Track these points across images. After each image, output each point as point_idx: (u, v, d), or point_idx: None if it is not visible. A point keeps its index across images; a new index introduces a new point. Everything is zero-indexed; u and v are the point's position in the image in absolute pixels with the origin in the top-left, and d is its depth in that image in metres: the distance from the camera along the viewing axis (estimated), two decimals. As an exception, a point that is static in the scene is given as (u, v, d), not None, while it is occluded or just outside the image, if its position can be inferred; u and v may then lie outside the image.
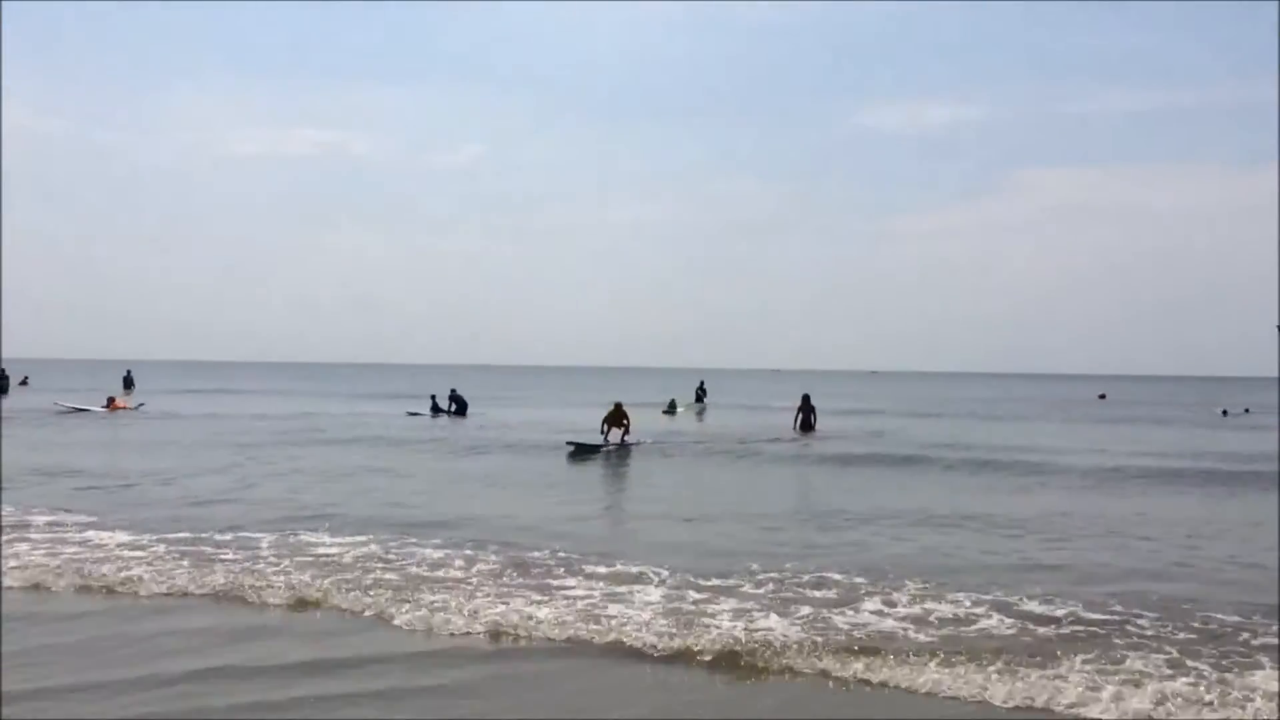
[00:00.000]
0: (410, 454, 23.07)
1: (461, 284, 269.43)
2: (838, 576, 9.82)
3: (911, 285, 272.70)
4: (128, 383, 54.54)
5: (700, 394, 50.05)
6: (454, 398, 37.81)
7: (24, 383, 56.40)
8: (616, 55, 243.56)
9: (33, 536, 11.73)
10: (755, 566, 10.25)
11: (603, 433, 24.05)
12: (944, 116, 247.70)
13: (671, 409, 42.28)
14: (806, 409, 30.62)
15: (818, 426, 30.20)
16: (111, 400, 38.70)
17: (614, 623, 8.14)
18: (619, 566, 10.22)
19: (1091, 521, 13.88)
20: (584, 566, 10.24)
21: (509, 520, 13.43)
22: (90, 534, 11.91)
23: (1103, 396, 67.05)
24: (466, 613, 8.42)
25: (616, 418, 24.19)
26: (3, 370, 52.68)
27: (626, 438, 24.03)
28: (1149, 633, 7.95)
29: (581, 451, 22.90)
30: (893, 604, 8.80)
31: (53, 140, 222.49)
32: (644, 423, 32.82)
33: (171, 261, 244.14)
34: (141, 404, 39.43)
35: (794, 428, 30.11)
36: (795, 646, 7.48)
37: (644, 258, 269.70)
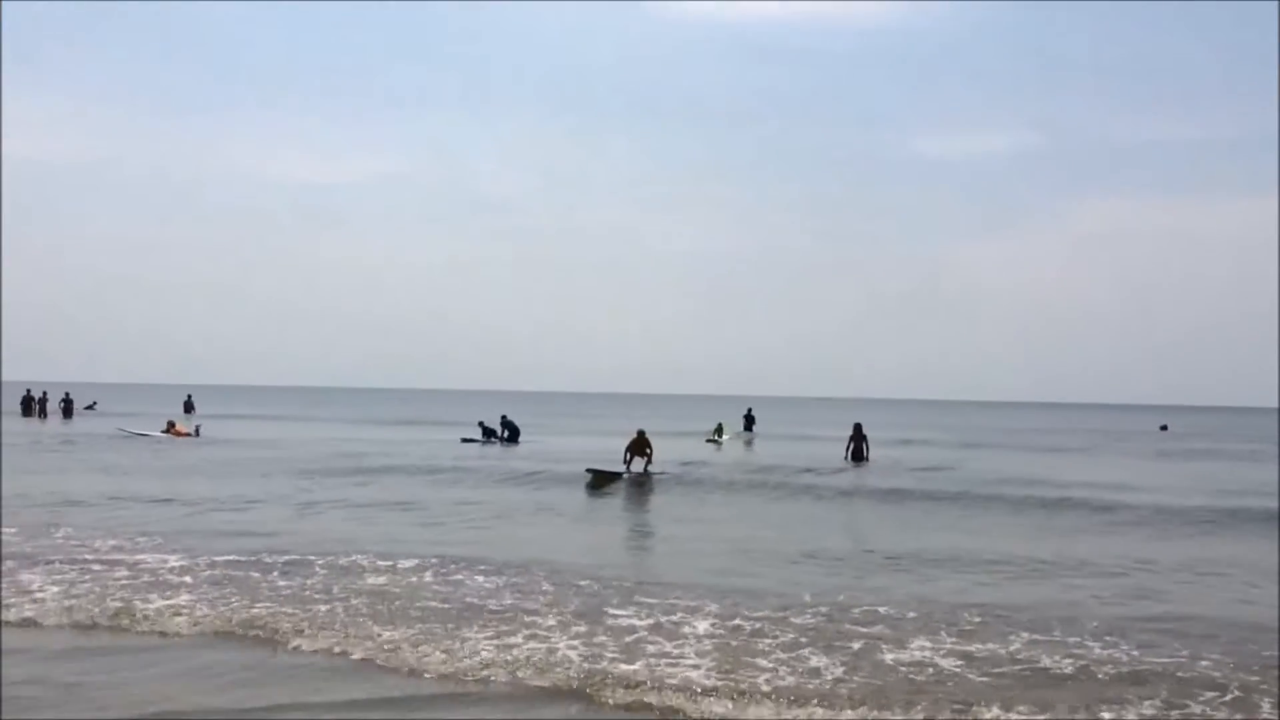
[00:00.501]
0: (474, 483, 22.82)
1: (498, 309, 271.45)
2: (890, 614, 9.66)
3: (961, 313, 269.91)
4: (188, 407, 55.26)
5: (749, 422, 48.49)
6: (506, 424, 37.90)
7: (91, 407, 57.42)
8: (663, 82, 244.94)
9: (93, 567, 11.99)
10: (805, 601, 10.11)
11: (625, 461, 23.37)
12: (992, 144, 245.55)
13: (718, 434, 41.47)
14: (859, 438, 30.28)
15: (870, 456, 30.03)
16: (172, 425, 39.35)
17: (663, 662, 8.08)
18: (670, 599, 10.16)
19: (1175, 568, 13.07)
20: (636, 598, 10.22)
21: (564, 552, 13.41)
22: (145, 557, 12.14)
23: (1164, 428, 65.46)
24: (510, 651, 8.43)
25: (639, 446, 23.48)
26: (68, 395, 54.27)
27: (649, 467, 23.39)
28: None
29: (602, 479, 22.38)
30: (949, 645, 8.64)
31: (109, 166, 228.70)
32: (687, 451, 32.53)
33: (208, 286, 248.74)
34: (199, 426, 40.12)
35: (845, 458, 29.82)
36: (847, 692, 7.38)
37: (686, 285, 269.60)
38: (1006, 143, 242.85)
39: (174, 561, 11.90)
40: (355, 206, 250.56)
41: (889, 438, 40.58)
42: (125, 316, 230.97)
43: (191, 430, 39.22)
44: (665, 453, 31.31)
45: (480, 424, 39.30)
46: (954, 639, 8.79)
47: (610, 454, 28.47)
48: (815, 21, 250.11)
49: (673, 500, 20.27)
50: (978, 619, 9.51)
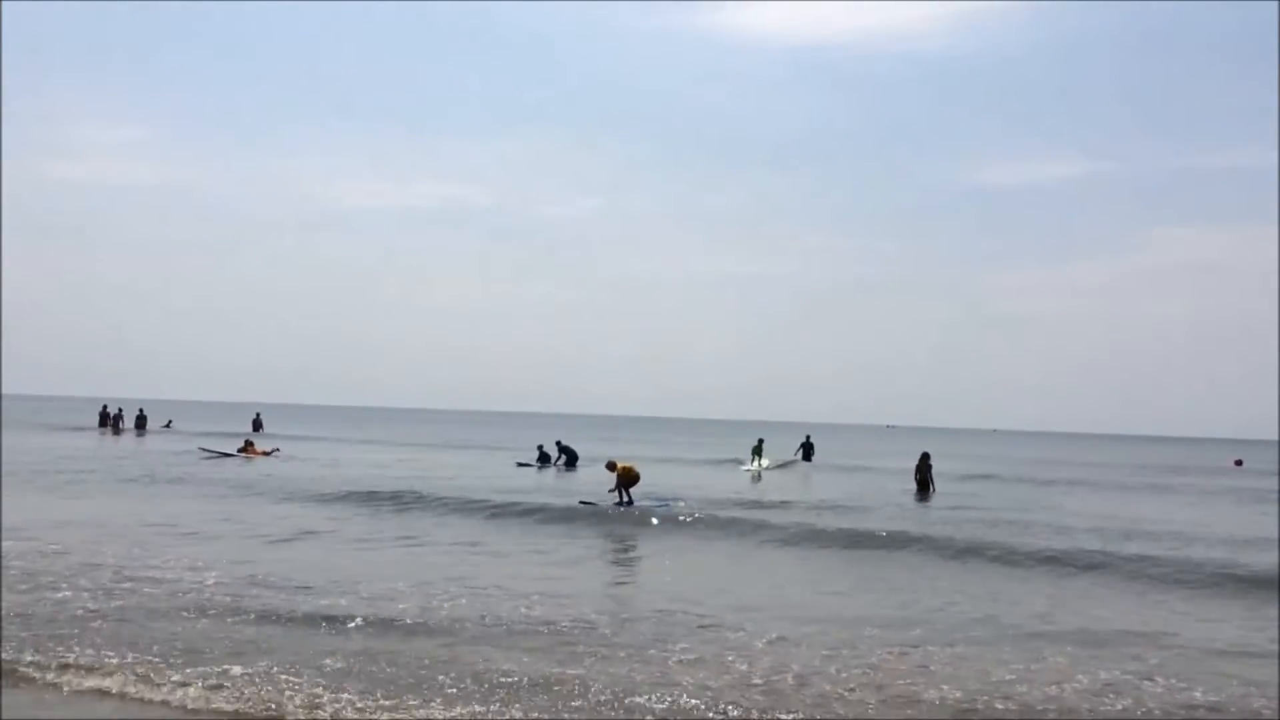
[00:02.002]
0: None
1: (547, 333, 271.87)
2: None
3: (1021, 341, 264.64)
4: (256, 425, 55.63)
5: (807, 451, 43.61)
6: (563, 449, 37.49)
7: (168, 425, 58.39)
8: (719, 108, 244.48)
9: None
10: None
11: (620, 497, 21.94)
12: (1064, 171, 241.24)
13: (757, 455, 38.38)
14: (924, 469, 29.17)
15: (936, 489, 28.65)
16: (249, 444, 39.49)
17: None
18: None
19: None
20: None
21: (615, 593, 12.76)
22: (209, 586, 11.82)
23: (1239, 463, 63.20)
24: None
25: (629, 477, 22.16)
26: (141, 411, 56.34)
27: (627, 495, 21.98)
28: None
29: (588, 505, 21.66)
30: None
31: (169, 191, 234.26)
32: (725, 483, 30.70)
33: (267, 308, 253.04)
34: (276, 449, 40.02)
35: (915, 490, 28.56)
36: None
37: (745, 310, 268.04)
38: (1075, 170, 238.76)
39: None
40: (413, 230, 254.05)
41: (953, 470, 39.09)
42: (191, 337, 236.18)
43: (268, 450, 39.44)
44: (698, 482, 30.01)
45: (539, 448, 39.09)
46: None
47: (676, 485, 27.45)
48: (872, 47, 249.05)
49: (725, 551, 17.23)
50: None
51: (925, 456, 29.54)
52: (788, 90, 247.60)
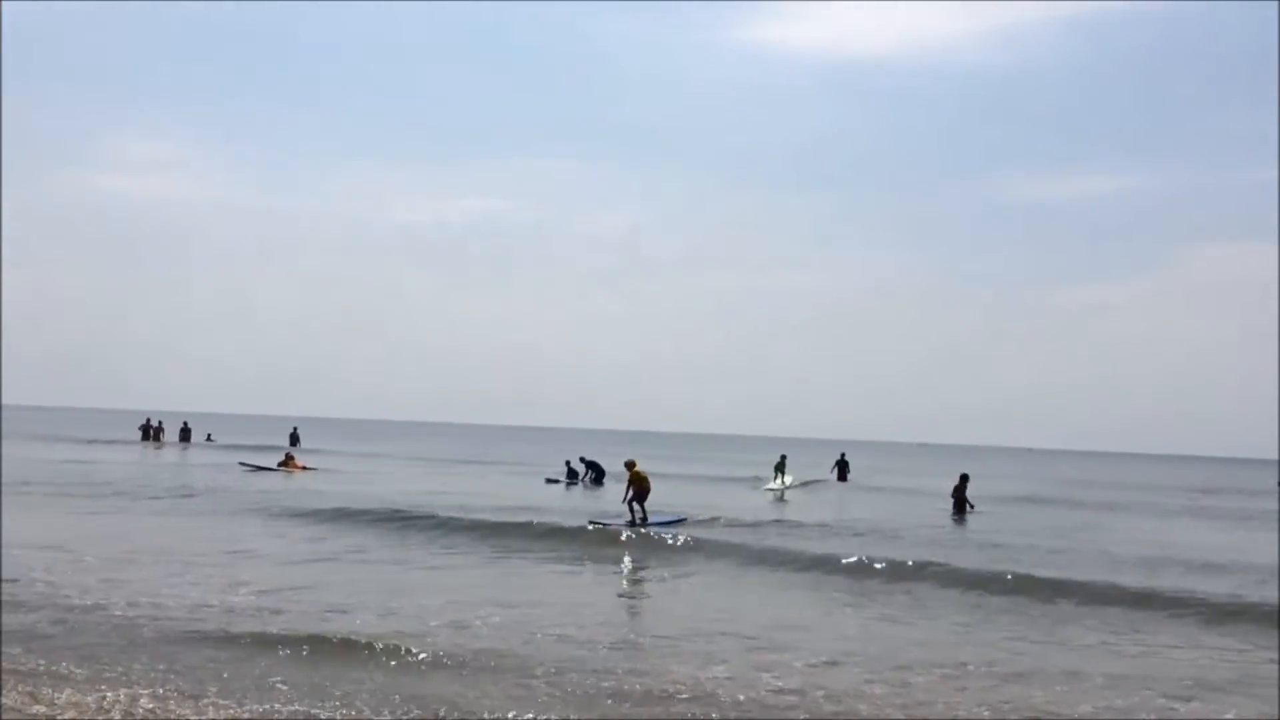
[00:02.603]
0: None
1: (583, 346, 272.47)
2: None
3: (1070, 360, 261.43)
4: (294, 439, 54.90)
5: (842, 470, 41.70)
6: (589, 465, 37.30)
7: (209, 438, 59.31)
8: (765, 123, 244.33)
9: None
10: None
11: (632, 512, 21.17)
12: (1105, 187, 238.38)
13: (779, 472, 36.63)
14: (962, 488, 28.32)
15: (976, 508, 27.83)
16: (289, 458, 39.43)
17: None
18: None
19: None
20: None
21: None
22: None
23: None
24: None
25: (640, 483, 21.37)
26: (186, 424, 59.33)
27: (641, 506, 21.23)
28: None
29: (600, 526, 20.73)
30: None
31: (234, 208, 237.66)
32: (745, 500, 30.36)
33: (307, 317, 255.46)
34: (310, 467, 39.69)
35: (952, 512, 27.66)
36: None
37: (777, 323, 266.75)
38: (1123, 186, 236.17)
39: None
40: (464, 245, 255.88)
41: (994, 492, 37.58)
42: (235, 352, 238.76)
43: (307, 465, 39.44)
44: (719, 500, 28.65)
45: (567, 463, 38.89)
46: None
47: (678, 502, 26.12)
48: (918, 62, 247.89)
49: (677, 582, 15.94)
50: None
51: (964, 478, 28.88)
52: (829, 104, 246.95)
